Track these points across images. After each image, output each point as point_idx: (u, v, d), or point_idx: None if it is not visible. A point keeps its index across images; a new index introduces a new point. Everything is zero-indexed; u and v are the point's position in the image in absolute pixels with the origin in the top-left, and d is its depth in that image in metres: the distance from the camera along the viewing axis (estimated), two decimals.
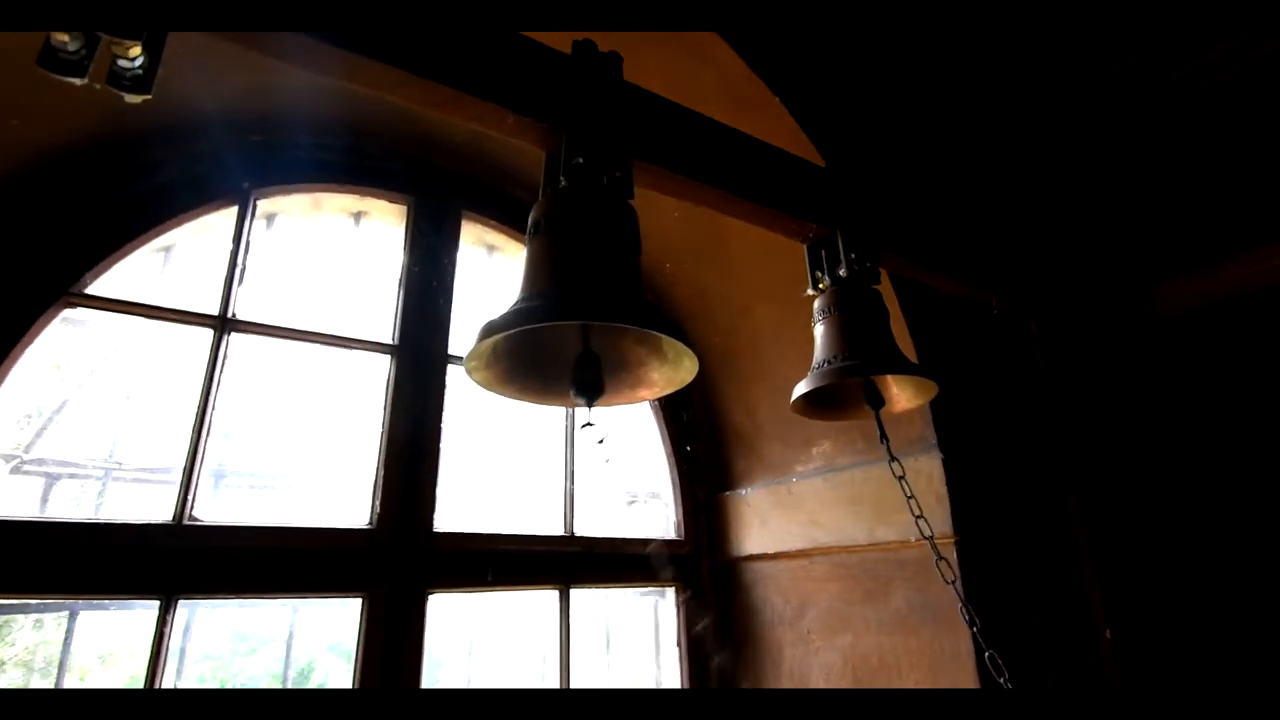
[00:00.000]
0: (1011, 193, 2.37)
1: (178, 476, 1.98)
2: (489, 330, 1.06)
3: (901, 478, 1.55)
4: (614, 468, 1.23)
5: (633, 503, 2.98)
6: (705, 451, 2.92)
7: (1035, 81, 2.25)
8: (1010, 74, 2.25)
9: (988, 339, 2.25)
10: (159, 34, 1.02)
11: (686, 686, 2.61)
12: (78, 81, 0.97)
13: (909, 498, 1.56)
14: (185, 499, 1.95)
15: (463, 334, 2.51)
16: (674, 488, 2.86)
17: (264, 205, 2.41)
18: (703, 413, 2.95)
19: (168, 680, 1.90)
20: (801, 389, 1.53)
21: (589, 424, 1.18)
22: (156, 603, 1.87)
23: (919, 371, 1.48)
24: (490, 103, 1.24)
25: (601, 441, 1.17)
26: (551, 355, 1.29)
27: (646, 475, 2.97)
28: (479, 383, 1.22)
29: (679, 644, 2.66)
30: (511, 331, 1.07)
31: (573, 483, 2.59)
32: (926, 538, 1.56)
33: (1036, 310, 2.09)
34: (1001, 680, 1.47)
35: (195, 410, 2.04)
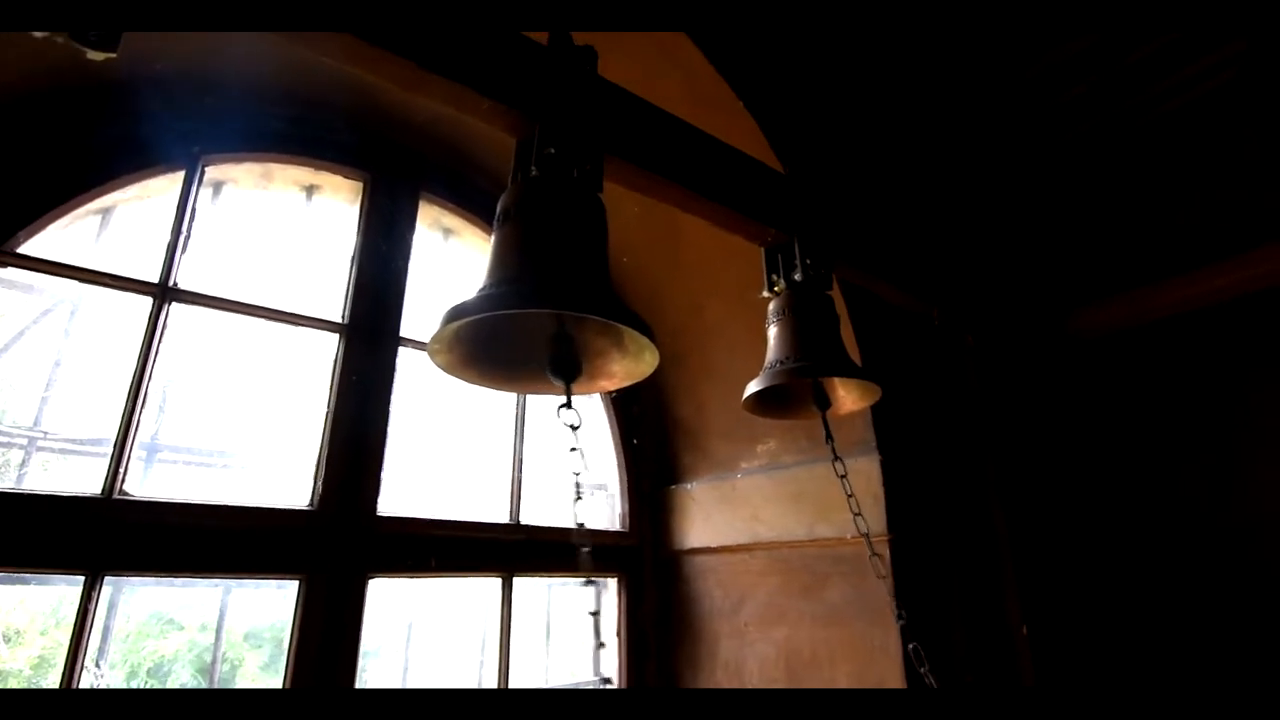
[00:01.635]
0: (958, 211, 2.49)
1: (109, 449, 1.90)
2: (455, 314, 1.07)
3: (844, 476, 1.62)
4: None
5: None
6: (652, 445, 2.96)
7: (985, 108, 2.37)
8: (961, 98, 2.36)
9: (928, 349, 2.36)
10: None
11: (625, 674, 2.65)
12: (38, 34, 0.93)
13: (849, 496, 1.64)
14: (116, 472, 1.88)
15: (416, 316, 2.48)
16: (621, 480, 2.89)
17: (212, 173, 2.33)
18: (651, 407, 3.00)
19: (89, 656, 1.83)
20: (753, 387, 1.58)
21: (567, 405, 1.19)
22: (81, 578, 1.79)
23: (865, 376, 1.55)
24: (466, 87, 1.24)
25: (576, 428, 1.19)
26: (514, 342, 1.30)
27: (595, 467, 3.00)
28: (441, 366, 1.23)
29: (619, 634, 2.70)
30: (482, 316, 1.08)
31: (520, 471, 2.59)
32: (863, 534, 1.64)
33: (973, 324, 2.21)
34: (922, 670, 1.56)
35: (130, 381, 1.96)
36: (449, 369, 1.24)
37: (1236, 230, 2.04)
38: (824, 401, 1.60)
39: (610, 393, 2.94)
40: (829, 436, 1.61)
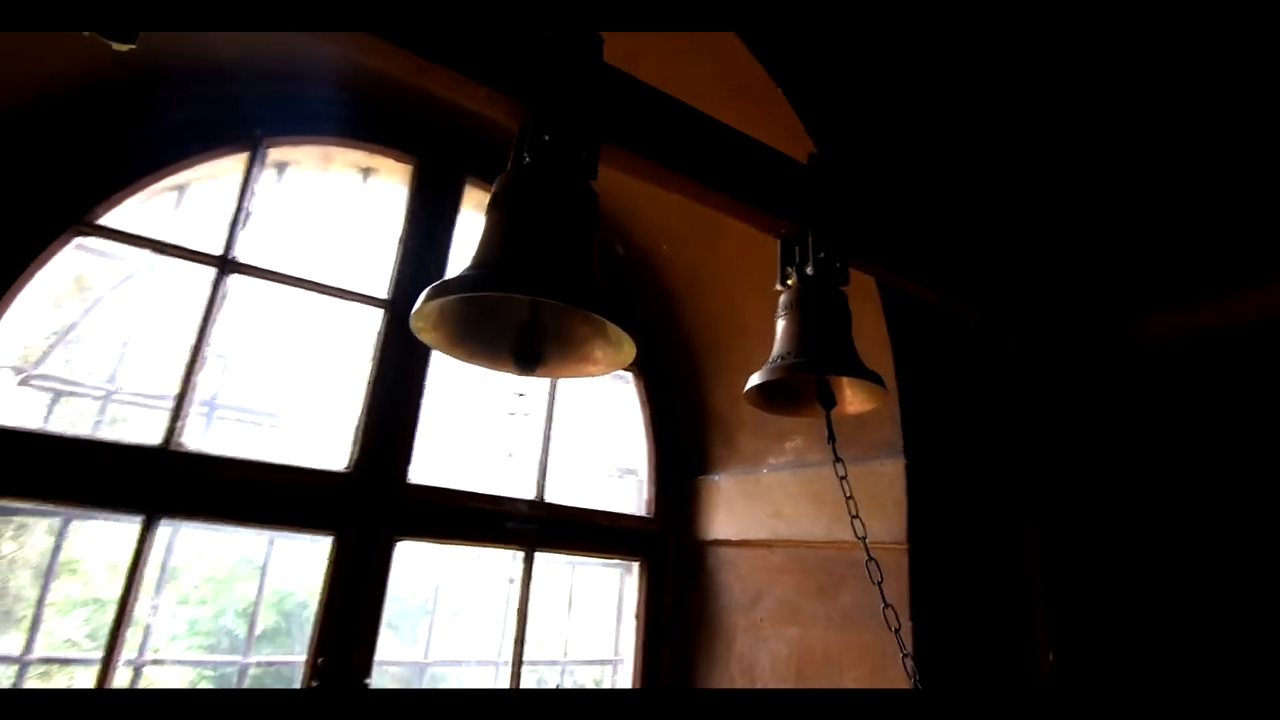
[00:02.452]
0: (1004, 207, 2.35)
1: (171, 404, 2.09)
2: (434, 293, 1.12)
3: (843, 478, 1.59)
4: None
5: (610, 477, 3.05)
6: (685, 435, 2.97)
7: (1037, 98, 2.22)
8: (1013, 84, 2.22)
9: (967, 351, 2.25)
10: None
11: (640, 657, 2.69)
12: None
13: (848, 498, 1.60)
14: (174, 426, 2.06)
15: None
16: (650, 466, 2.91)
17: (276, 154, 2.49)
18: (686, 396, 2.99)
19: (146, 594, 2.03)
20: (754, 380, 1.56)
21: (523, 394, 1.23)
22: (139, 519, 1.98)
23: (870, 377, 1.50)
24: (463, 75, 1.28)
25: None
26: (503, 324, 1.34)
27: (625, 451, 3.03)
28: (429, 343, 1.29)
29: (637, 616, 2.73)
30: (451, 298, 1.12)
31: (547, 451, 2.66)
32: (860, 538, 1.59)
33: (1017, 328, 2.08)
34: (912, 683, 1.51)
35: (191, 344, 2.14)
36: (436, 345, 1.30)
37: None
38: (828, 400, 1.57)
39: (643, 380, 2.97)
40: (831, 436, 1.57)
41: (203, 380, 2.19)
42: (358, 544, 2.20)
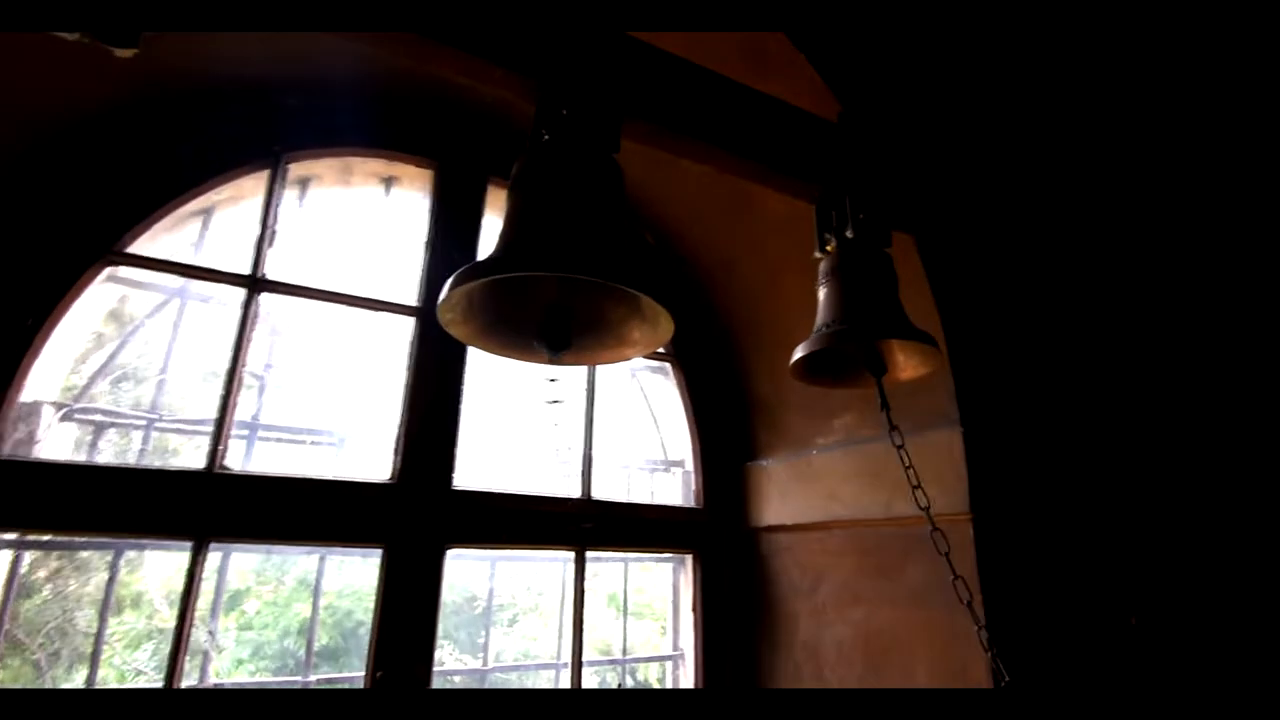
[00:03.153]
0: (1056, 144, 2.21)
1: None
2: (458, 280, 1.07)
3: (900, 447, 1.50)
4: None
5: (655, 470, 2.99)
6: (729, 421, 2.89)
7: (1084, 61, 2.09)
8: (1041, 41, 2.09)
9: (1021, 310, 2.13)
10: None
11: (699, 650, 2.62)
12: (67, 36, 1.01)
13: (908, 467, 1.51)
14: (216, 449, 2.06)
15: None
16: (695, 457, 2.85)
17: (298, 170, 2.49)
18: (727, 382, 2.92)
19: (203, 620, 2.03)
20: (798, 354, 1.48)
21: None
22: (189, 544, 1.99)
23: (921, 338, 1.41)
24: (474, 57, 1.23)
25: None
26: (533, 310, 1.28)
27: (670, 443, 2.97)
28: (459, 336, 1.24)
29: (694, 609, 2.67)
30: (477, 283, 1.07)
31: (591, 447, 2.61)
32: (923, 509, 1.51)
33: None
34: (990, 654, 1.42)
35: (227, 366, 2.14)
36: (467, 339, 1.25)
37: None
38: (878, 367, 1.48)
39: (681, 369, 2.90)
40: (884, 405, 1.48)
41: (242, 401, 2.20)
42: (408, 554, 2.18)
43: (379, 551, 2.18)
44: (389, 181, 2.72)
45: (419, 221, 2.62)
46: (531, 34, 1.28)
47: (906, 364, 1.54)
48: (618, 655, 2.90)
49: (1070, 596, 1.91)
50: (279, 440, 2.35)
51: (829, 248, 1.59)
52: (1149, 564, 1.85)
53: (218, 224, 2.48)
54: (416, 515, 2.22)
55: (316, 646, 6.54)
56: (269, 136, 2.33)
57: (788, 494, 2.59)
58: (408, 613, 2.14)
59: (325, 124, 2.44)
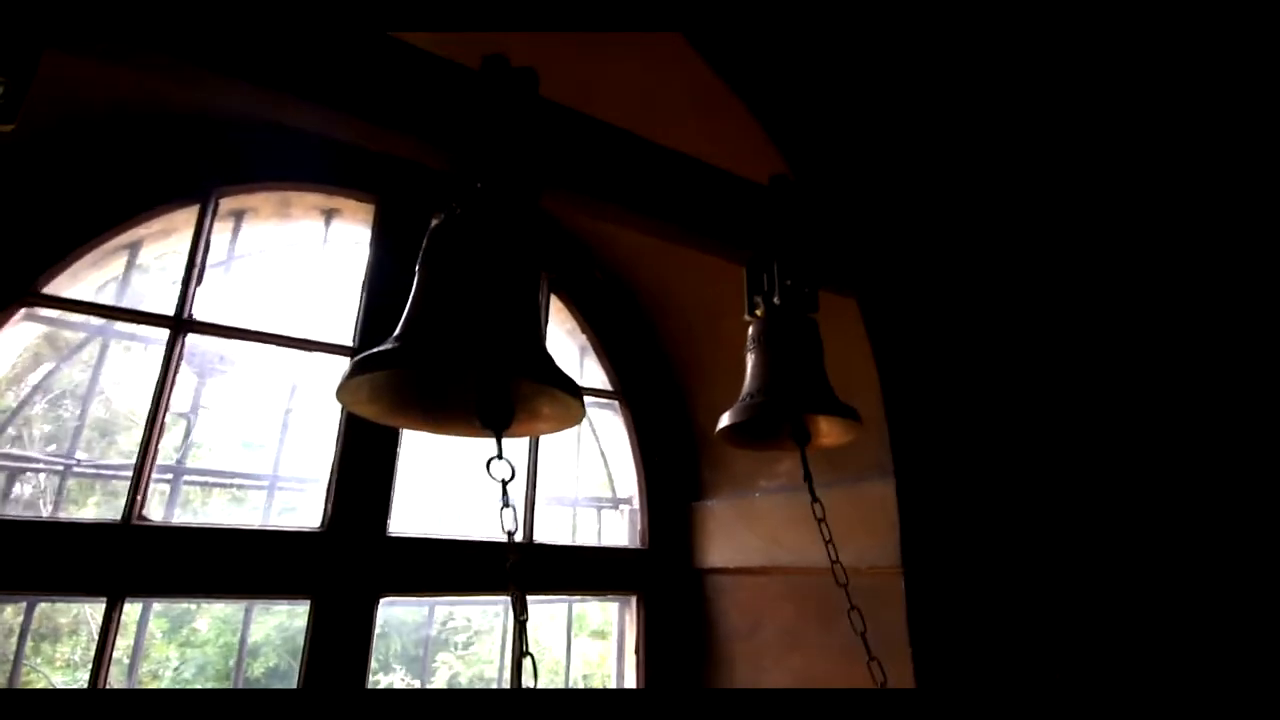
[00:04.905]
0: (974, 214, 2.25)
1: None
2: (356, 369, 1.03)
3: (822, 521, 1.50)
4: (505, 514, 1.18)
5: (602, 507, 2.96)
6: (674, 459, 2.88)
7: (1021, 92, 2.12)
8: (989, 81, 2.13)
9: (956, 365, 2.15)
10: (22, 65, 1.00)
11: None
12: None
13: (820, 520, 1.52)
14: (135, 499, 1.98)
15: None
16: (641, 495, 2.82)
17: (231, 204, 2.42)
18: (673, 420, 2.90)
19: (115, 677, 1.95)
20: (724, 422, 1.48)
21: (499, 457, 1.13)
22: (103, 601, 1.90)
23: (844, 413, 1.41)
24: (381, 126, 1.20)
25: (507, 482, 1.13)
26: (452, 386, 1.25)
27: (617, 481, 2.95)
28: (366, 416, 1.20)
29: (637, 651, 2.64)
30: (378, 372, 1.04)
31: (534, 490, 2.57)
32: (834, 563, 1.53)
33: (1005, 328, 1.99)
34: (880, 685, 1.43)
35: (148, 411, 2.06)
36: (377, 418, 1.21)
37: None
38: (802, 437, 1.48)
39: (628, 406, 2.88)
40: (807, 475, 1.49)
41: (167, 445, 2.12)
42: (337, 605, 2.12)
43: (306, 603, 2.11)
44: (330, 215, 2.66)
45: (360, 257, 2.57)
46: (442, 96, 1.25)
47: (830, 432, 1.54)
48: (565, 671, 2.86)
49: (996, 650, 1.92)
50: (206, 485, 2.27)
51: (758, 311, 1.58)
52: (1074, 622, 1.87)
53: (146, 257, 2.39)
54: (347, 564, 2.16)
55: (263, 669, 6.35)
56: (199, 171, 2.26)
57: (731, 535, 2.58)
58: (337, 664, 2.08)
59: (259, 158, 2.37)
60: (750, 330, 1.56)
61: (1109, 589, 1.95)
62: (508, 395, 1.18)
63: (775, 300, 1.53)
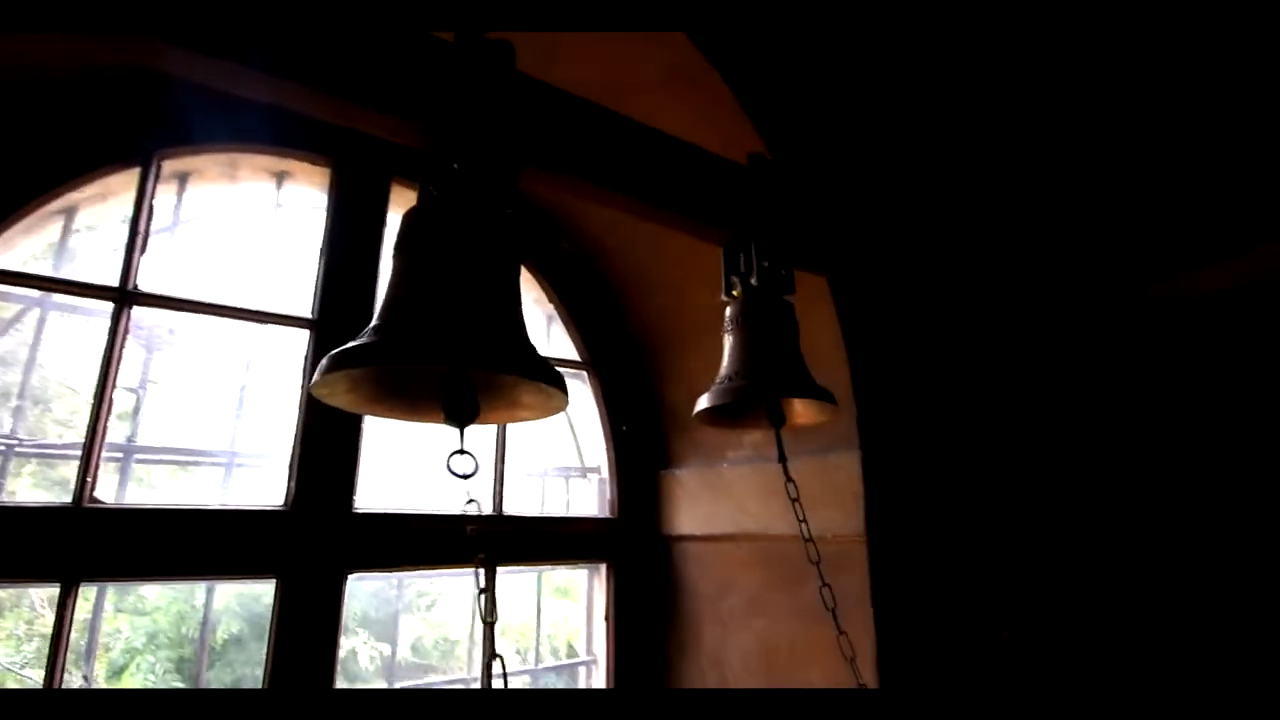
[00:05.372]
0: (953, 191, 2.28)
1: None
2: (332, 364, 1.00)
3: (796, 500, 1.55)
4: (470, 506, 1.17)
5: (571, 476, 2.97)
6: (644, 429, 2.90)
7: (994, 81, 2.14)
8: (962, 70, 2.13)
9: (922, 343, 2.20)
10: None
11: (611, 656, 2.66)
12: None
13: (794, 500, 1.56)
14: (85, 481, 1.89)
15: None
16: (610, 464, 2.84)
17: (174, 165, 2.27)
18: (642, 391, 2.91)
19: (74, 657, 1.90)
20: (702, 404, 1.48)
21: (462, 451, 1.11)
22: (57, 587, 1.84)
23: (820, 395, 1.44)
24: (353, 103, 1.13)
25: (469, 476, 1.12)
26: (415, 377, 1.22)
27: (586, 451, 2.96)
28: (344, 406, 1.17)
29: (607, 618, 2.70)
30: (359, 369, 1.01)
31: (503, 462, 2.56)
32: (806, 541, 1.57)
33: (972, 311, 2.04)
34: (849, 660, 1.51)
35: (95, 388, 1.96)
36: (354, 407, 1.18)
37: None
38: (778, 418, 1.50)
39: (597, 377, 2.87)
40: (782, 457, 1.52)
41: (116, 424, 2.03)
42: (304, 583, 2.09)
43: (272, 583, 2.08)
44: (281, 177, 2.53)
45: (316, 222, 2.45)
46: (415, 71, 1.18)
47: (805, 413, 1.57)
48: (530, 663, 2.90)
49: (952, 613, 2.03)
50: (160, 462, 2.19)
51: (735, 292, 1.58)
52: (1021, 584, 1.98)
53: (83, 222, 2.24)
54: (313, 542, 2.12)
55: (224, 636, 6.25)
56: (137, 132, 2.11)
57: (699, 504, 2.63)
58: (305, 642, 2.06)
59: (204, 118, 2.22)
60: (728, 311, 1.56)
61: (1052, 555, 2.06)
62: (472, 391, 1.15)
63: (753, 281, 1.53)
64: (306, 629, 2.06)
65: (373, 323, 1.08)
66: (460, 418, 1.10)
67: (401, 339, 1.01)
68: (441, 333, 1.02)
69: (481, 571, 1.14)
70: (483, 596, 1.14)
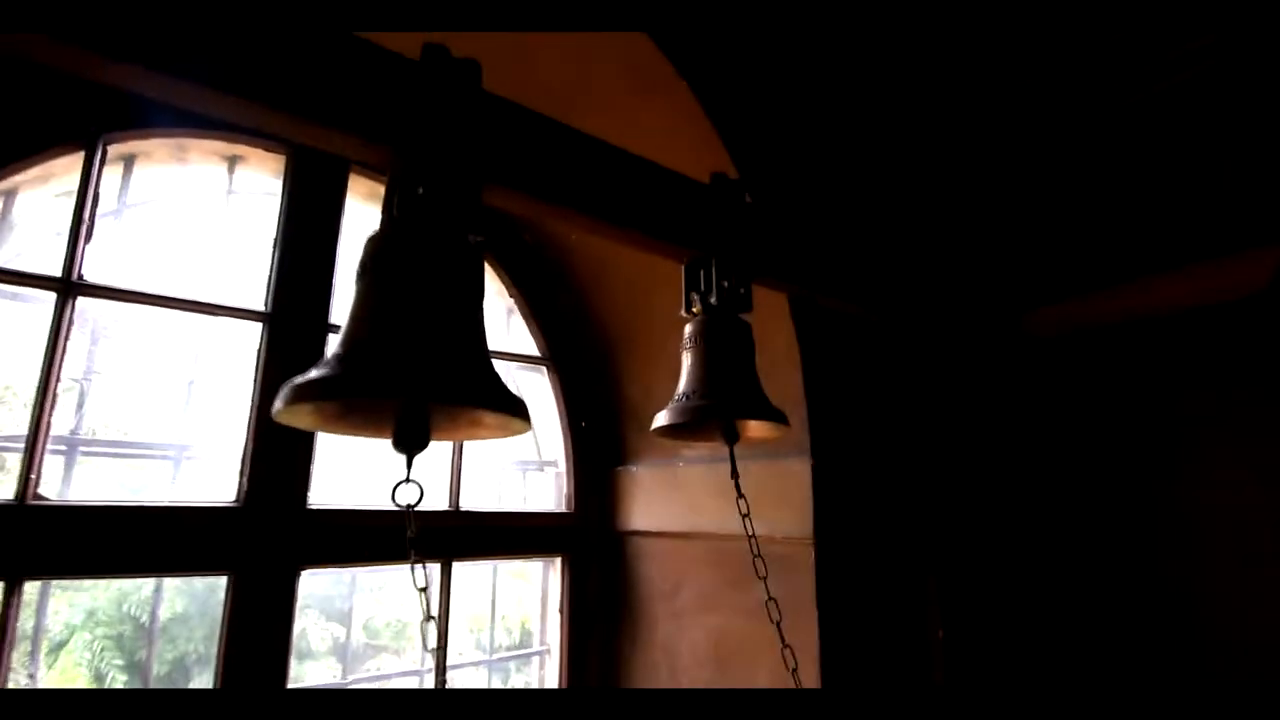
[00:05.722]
0: (901, 211, 2.35)
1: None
2: (293, 396, 1.00)
3: (746, 516, 1.61)
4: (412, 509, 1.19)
5: (528, 470, 3.00)
6: (601, 425, 2.93)
7: (936, 109, 2.21)
8: (912, 96, 2.19)
9: (871, 356, 2.28)
10: None
11: (566, 647, 2.72)
12: None
13: (741, 504, 1.62)
14: (28, 478, 1.85)
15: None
16: (567, 459, 2.88)
17: (120, 149, 2.19)
18: (600, 386, 2.94)
19: (20, 654, 1.86)
20: (660, 420, 1.52)
21: (410, 480, 1.13)
22: (0, 585, 1.80)
23: (774, 417, 1.49)
24: (310, 121, 1.12)
25: (413, 506, 1.14)
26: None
27: (543, 445, 2.98)
28: (305, 427, 1.17)
29: (561, 610, 2.75)
30: (318, 402, 1.01)
31: (460, 457, 2.57)
32: (755, 556, 1.64)
33: (919, 325, 2.12)
34: (791, 671, 1.60)
35: (37, 382, 1.91)
36: (313, 428, 1.19)
37: (1195, 238, 1.92)
38: (732, 436, 1.55)
39: (557, 372, 2.89)
40: (734, 473, 1.57)
41: (60, 418, 1.97)
42: (256, 579, 2.08)
43: (224, 579, 2.07)
44: (233, 161, 2.46)
45: (269, 209, 2.39)
46: (380, 91, 1.17)
47: (758, 430, 1.62)
48: (484, 654, 2.95)
49: (892, 614, 2.14)
50: (106, 456, 2.14)
51: (695, 309, 1.62)
52: (954, 585, 2.10)
53: (23, 206, 2.15)
54: (266, 538, 2.11)
55: (168, 615, 6.13)
56: (80, 114, 2.02)
57: (654, 500, 2.69)
58: (257, 637, 2.06)
59: (150, 101, 2.13)
60: (687, 329, 1.59)
61: (990, 560, 2.19)
62: (424, 422, 1.16)
63: (712, 300, 1.56)
64: (259, 623, 2.06)
65: (334, 349, 1.08)
66: (409, 448, 1.12)
67: (361, 371, 1.02)
68: (401, 365, 1.03)
69: (420, 569, 1.16)
70: (423, 594, 1.16)
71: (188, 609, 6.39)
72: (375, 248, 1.14)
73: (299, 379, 1.01)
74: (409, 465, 1.12)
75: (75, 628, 6.37)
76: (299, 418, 1.12)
